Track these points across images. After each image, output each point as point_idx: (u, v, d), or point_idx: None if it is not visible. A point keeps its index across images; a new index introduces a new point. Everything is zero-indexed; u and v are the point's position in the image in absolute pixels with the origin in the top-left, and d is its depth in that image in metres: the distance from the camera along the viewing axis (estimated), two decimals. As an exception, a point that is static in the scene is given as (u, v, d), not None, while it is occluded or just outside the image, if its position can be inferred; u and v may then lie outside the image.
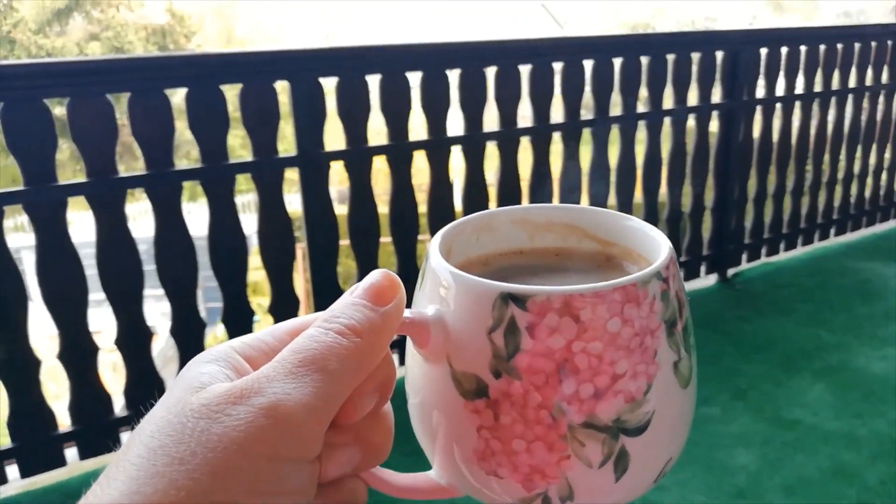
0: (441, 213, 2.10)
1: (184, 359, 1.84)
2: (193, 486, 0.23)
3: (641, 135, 2.53)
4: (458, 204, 2.21)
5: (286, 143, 1.88)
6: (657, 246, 0.33)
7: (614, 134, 2.45)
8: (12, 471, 1.72)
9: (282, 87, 1.80)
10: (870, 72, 3.15)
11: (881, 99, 3.26)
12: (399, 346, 1.76)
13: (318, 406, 0.25)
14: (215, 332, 4.64)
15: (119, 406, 1.82)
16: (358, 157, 1.91)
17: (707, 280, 2.87)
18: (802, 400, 2.01)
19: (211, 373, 0.27)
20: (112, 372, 1.74)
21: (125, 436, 1.80)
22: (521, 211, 0.38)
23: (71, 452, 1.77)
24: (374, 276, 0.30)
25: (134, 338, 1.75)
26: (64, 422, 1.75)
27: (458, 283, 0.30)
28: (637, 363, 0.28)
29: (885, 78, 3.21)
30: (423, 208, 2.11)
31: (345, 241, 2.01)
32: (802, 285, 2.84)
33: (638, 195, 2.62)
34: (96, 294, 1.68)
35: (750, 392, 2.05)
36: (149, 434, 0.24)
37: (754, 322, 2.52)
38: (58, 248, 1.60)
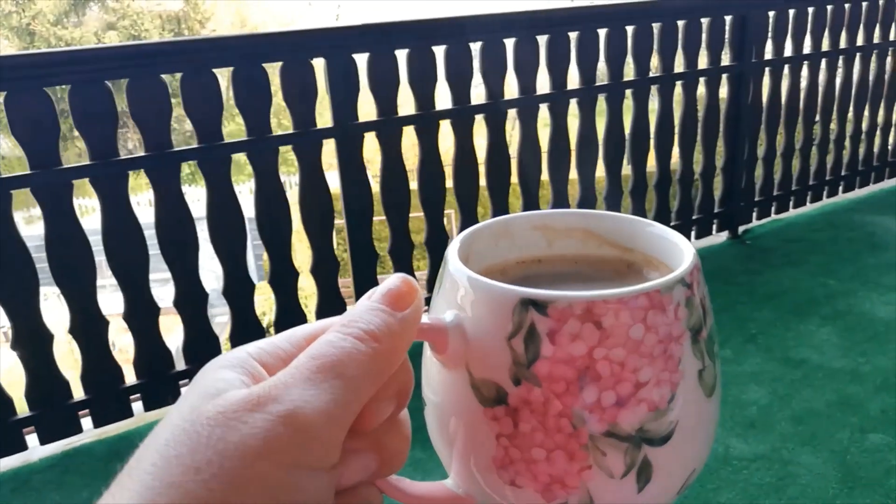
0: (467, 181, 2.24)
1: (234, 318, 2.02)
2: (209, 496, 0.22)
3: (654, 103, 2.65)
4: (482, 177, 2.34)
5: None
6: (679, 252, 0.32)
7: (627, 102, 2.57)
8: (86, 422, 1.91)
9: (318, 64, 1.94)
10: (877, 30, 3.22)
11: (889, 57, 3.33)
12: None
13: (336, 413, 0.25)
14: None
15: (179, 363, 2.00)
16: (389, 127, 2.06)
17: (719, 237, 3.00)
18: (810, 342, 2.14)
19: (227, 379, 0.26)
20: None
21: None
22: (539, 217, 0.38)
23: (137, 406, 1.96)
24: (392, 280, 0.29)
25: (191, 298, 1.93)
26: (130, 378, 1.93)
27: (476, 288, 0.29)
28: (660, 371, 0.28)
29: (892, 35, 3.27)
30: (449, 182, 2.25)
31: (379, 217, 2.17)
32: (812, 239, 2.95)
33: (651, 160, 2.74)
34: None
35: (760, 336, 2.19)
36: (164, 442, 0.24)
37: (765, 274, 2.65)
38: (123, 219, 1.77)
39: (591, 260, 0.38)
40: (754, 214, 3.08)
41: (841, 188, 3.37)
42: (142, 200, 6.72)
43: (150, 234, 1.81)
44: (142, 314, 1.87)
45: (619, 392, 0.27)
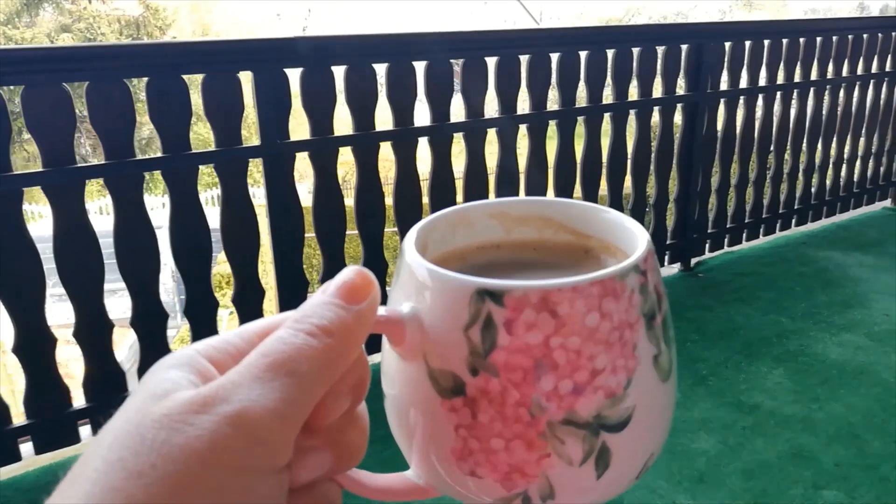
0: (410, 204, 2.10)
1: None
2: (151, 501, 0.22)
3: (606, 126, 2.56)
4: (429, 197, 2.21)
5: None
6: (634, 238, 0.32)
7: (580, 127, 2.48)
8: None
9: (246, 78, 1.79)
10: (831, 65, 3.21)
11: (842, 92, 3.33)
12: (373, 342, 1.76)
13: (287, 412, 0.24)
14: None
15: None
16: (324, 147, 1.91)
17: (670, 269, 2.92)
18: (762, 385, 2.06)
19: (174, 379, 0.25)
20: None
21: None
22: (496, 204, 0.38)
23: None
24: (346, 273, 0.28)
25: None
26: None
27: (433, 279, 0.29)
28: (616, 358, 0.28)
29: (845, 71, 3.28)
30: (389, 200, 2.12)
31: (309, 234, 2.01)
32: (764, 274, 2.90)
33: (603, 187, 2.65)
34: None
35: (711, 378, 2.10)
36: (107, 446, 0.23)
37: (716, 310, 2.57)
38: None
39: (549, 246, 0.38)
40: (707, 246, 3.02)
41: (794, 221, 3.34)
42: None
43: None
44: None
45: (575, 380, 0.27)
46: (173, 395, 0.24)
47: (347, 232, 2.07)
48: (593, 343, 0.27)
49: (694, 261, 2.97)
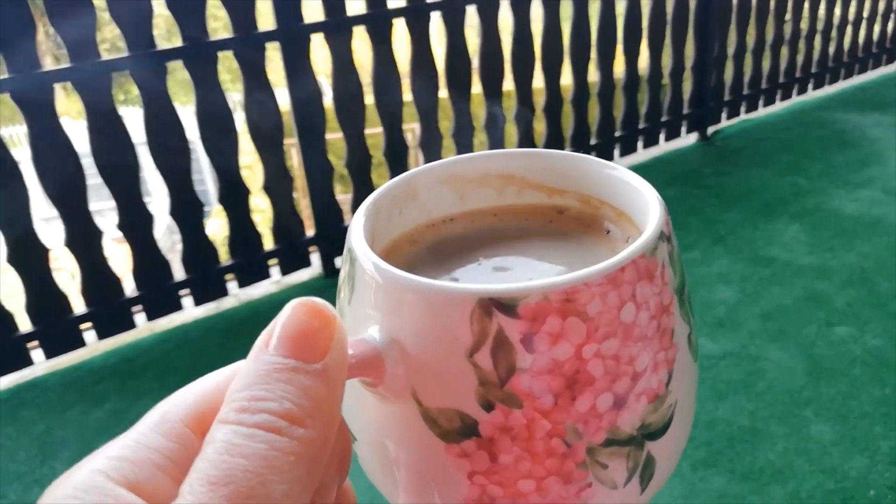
0: (426, 89, 2.12)
1: (185, 241, 1.92)
2: None
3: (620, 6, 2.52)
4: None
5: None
6: (624, 186, 0.27)
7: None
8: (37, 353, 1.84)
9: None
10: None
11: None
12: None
13: None
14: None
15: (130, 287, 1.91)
16: (337, 28, 1.91)
17: (688, 139, 2.93)
18: (779, 240, 2.12)
19: None
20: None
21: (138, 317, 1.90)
22: (446, 167, 0.31)
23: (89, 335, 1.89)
24: (293, 314, 0.20)
25: (138, 222, 1.82)
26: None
27: (415, 291, 0.23)
28: (657, 351, 0.23)
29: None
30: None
31: (333, 135, 2.04)
32: (781, 138, 2.91)
33: (618, 62, 2.63)
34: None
35: (729, 237, 2.16)
36: None
37: (734, 175, 2.61)
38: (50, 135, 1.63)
39: (514, 210, 0.31)
40: (724, 115, 3.01)
41: (811, 86, 3.30)
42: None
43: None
44: (86, 240, 1.77)
45: (616, 391, 0.23)
46: None
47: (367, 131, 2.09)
48: (633, 341, 0.23)
49: (711, 129, 2.97)
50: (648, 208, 0.25)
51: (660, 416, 0.24)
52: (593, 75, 2.54)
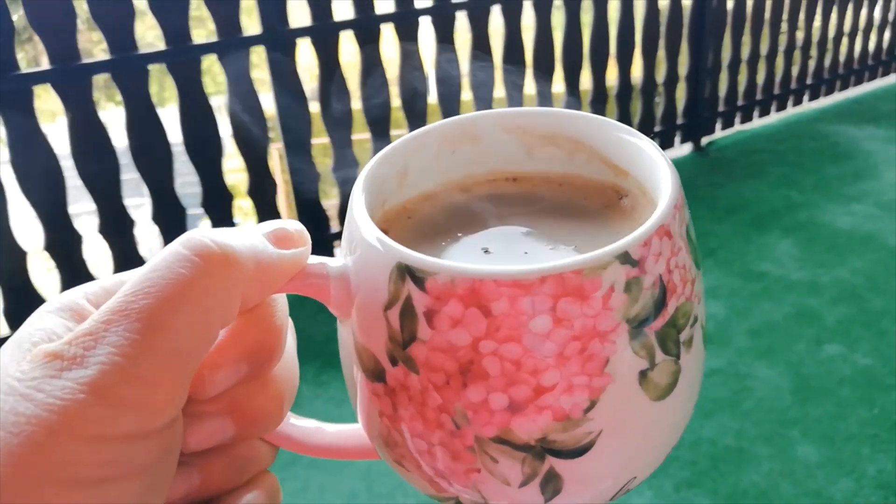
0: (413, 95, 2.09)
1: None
2: None
3: (615, 3, 2.49)
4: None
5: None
6: (666, 188, 0.25)
7: (586, 4, 2.41)
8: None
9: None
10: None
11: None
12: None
13: (154, 374, 0.20)
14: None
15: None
16: (324, 32, 1.88)
17: (682, 149, 2.91)
18: (770, 254, 2.10)
19: (48, 328, 0.22)
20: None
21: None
22: (516, 116, 0.30)
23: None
24: (285, 220, 0.25)
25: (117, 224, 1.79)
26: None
27: (358, 237, 0.24)
28: (574, 375, 0.22)
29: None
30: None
31: (319, 140, 2.02)
32: (775, 150, 2.88)
33: (611, 69, 2.60)
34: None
35: (720, 250, 2.14)
36: None
37: (727, 187, 2.58)
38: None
39: (579, 184, 0.30)
40: (718, 125, 2.99)
41: (806, 97, 3.28)
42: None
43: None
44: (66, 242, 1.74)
45: (512, 396, 0.22)
46: (37, 349, 0.21)
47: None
48: (540, 354, 0.22)
49: (705, 140, 2.95)
50: (644, 223, 0.23)
51: (570, 437, 0.23)
52: (586, 83, 2.52)
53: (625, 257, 0.22)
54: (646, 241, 0.22)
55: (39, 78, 1.60)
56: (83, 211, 1.98)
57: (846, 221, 2.27)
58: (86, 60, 1.62)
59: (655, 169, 0.26)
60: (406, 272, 0.22)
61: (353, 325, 0.25)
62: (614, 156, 0.29)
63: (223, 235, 0.22)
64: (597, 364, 0.22)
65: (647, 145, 0.27)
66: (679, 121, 2.84)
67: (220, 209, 1.91)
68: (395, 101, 2.12)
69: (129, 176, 1.77)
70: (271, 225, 0.25)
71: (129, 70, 1.66)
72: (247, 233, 0.23)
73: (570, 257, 0.22)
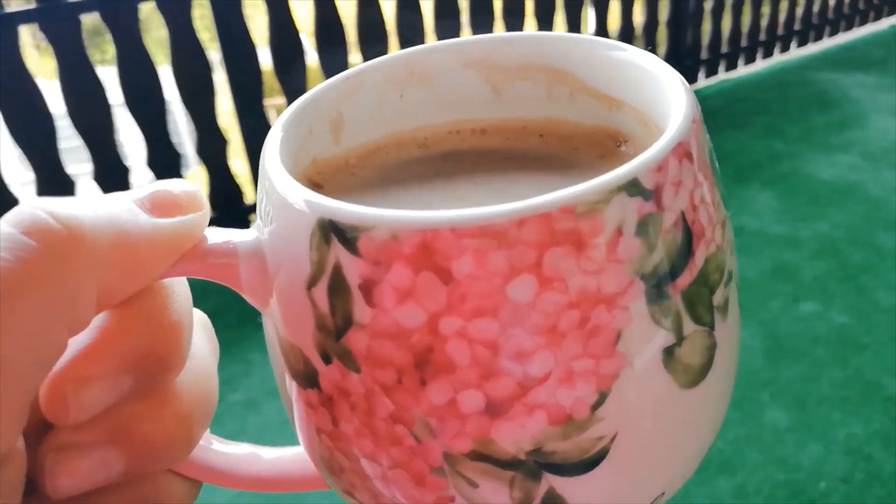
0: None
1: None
2: None
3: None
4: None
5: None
6: (674, 107, 0.19)
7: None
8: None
9: None
10: None
11: None
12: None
13: None
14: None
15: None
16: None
17: (663, 100, 2.80)
18: (750, 208, 2.02)
19: None
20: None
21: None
22: (476, 45, 0.24)
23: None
24: (169, 181, 0.19)
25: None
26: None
27: (273, 198, 0.18)
28: (573, 358, 0.16)
29: None
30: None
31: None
32: (760, 99, 2.78)
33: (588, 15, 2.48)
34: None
35: (697, 204, 2.06)
36: None
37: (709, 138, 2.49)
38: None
39: (565, 132, 0.23)
40: (701, 74, 2.87)
41: (794, 43, 3.16)
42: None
43: None
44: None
45: (489, 392, 0.16)
46: None
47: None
48: (524, 331, 0.16)
49: (687, 90, 2.83)
50: (658, 144, 0.17)
51: (573, 446, 0.17)
52: (560, 30, 2.40)
53: (634, 187, 0.16)
54: (660, 165, 0.16)
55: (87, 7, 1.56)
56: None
57: (830, 172, 2.19)
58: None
59: (659, 88, 0.20)
60: (331, 231, 0.16)
61: (275, 316, 0.19)
62: (603, 82, 0.22)
63: (67, 206, 0.16)
64: (605, 341, 0.16)
65: (645, 60, 0.21)
66: (660, 70, 2.72)
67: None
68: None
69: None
70: (148, 188, 0.19)
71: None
72: (107, 200, 0.18)
73: (559, 191, 0.15)
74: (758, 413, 1.28)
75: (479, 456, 0.17)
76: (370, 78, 0.23)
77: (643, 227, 0.16)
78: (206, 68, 1.75)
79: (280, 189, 0.18)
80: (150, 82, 1.69)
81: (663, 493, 0.20)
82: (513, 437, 0.17)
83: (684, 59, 2.73)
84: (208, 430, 0.22)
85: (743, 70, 3.01)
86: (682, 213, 0.17)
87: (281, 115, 0.21)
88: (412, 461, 0.17)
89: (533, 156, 0.23)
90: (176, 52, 1.70)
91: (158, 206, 0.18)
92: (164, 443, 0.19)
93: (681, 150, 0.17)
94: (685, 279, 0.17)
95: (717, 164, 0.19)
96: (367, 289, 0.16)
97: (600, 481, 0.17)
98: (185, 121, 1.62)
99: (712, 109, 2.73)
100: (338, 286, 0.16)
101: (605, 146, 0.23)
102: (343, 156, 0.23)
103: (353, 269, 0.16)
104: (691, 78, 2.83)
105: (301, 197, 0.17)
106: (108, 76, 1.68)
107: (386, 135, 0.24)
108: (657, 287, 0.16)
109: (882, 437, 1.21)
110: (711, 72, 2.90)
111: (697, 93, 2.78)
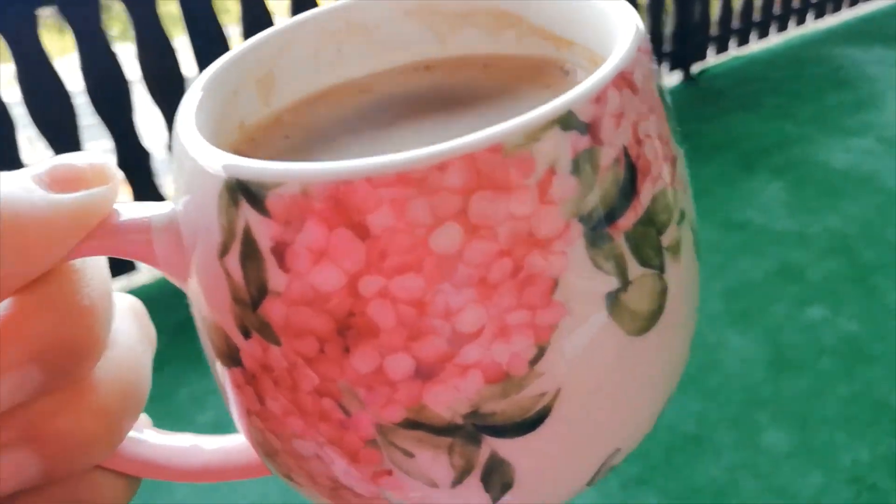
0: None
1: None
2: None
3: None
4: None
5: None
6: (621, 40, 0.18)
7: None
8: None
9: None
10: None
11: None
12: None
13: None
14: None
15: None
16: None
17: (670, 79, 2.68)
18: (756, 200, 1.92)
19: None
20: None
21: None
22: None
23: None
24: (65, 156, 0.18)
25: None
26: None
27: (186, 165, 0.16)
28: (508, 310, 0.15)
29: None
30: None
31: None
32: (772, 78, 2.65)
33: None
34: None
35: (702, 196, 1.93)
36: None
37: (715, 121, 2.37)
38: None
39: (511, 64, 0.22)
40: (711, 51, 2.74)
41: (811, 16, 3.00)
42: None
43: None
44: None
45: (419, 354, 0.15)
46: None
47: None
48: (451, 286, 0.14)
49: (696, 68, 2.70)
50: (589, 78, 0.15)
51: (513, 405, 0.15)
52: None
53: (569, 120, 0.14)
54: (598, 96, 0.15)
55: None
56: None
57: (843, 159, 2.07)
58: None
59: (610, 27, 0.19)
60: (238, 191, 0.14)
61: (195, 293, 0.17)
62: (553, 23, 0.22)
63: None
64: (541, 289, 0.15)
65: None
66: (667, 48, 2.59)
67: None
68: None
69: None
70: (48, 162, 0.17)
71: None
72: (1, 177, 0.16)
73: (485, 131, 0.14)
74: (755, 435, 1.21)
75: (412, 424, 0.16)
76: (303, 32, 0.22)
77: (579, 164, 0.15)
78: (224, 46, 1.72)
79: (191, 152, 0.16)
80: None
81: (618, 450, 0.18)
82: (447, 400, 0.15)
83: (692, 36, 2.60)
84: (147, 422, 0.21)
85: (755, 46, 2.87)
86: (625, 149, 0.15)
87: (198, 76, 0.19)
88: (343, 436, 0.16)
89: (479, 87, 0.22)
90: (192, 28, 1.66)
91: (59, 181, 0.17)
92: (83, 439, 0.18)
93: (622, 81, 0.15)
94: (629, 219, 0.16)
95: (668, 99, 0.18)
96: (280, 252, 0.14)
97: (546, 441, 0.16)
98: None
99: (721, 90, 2.60)
100: (249, 252, 0.15)
101: (552, 75, 0.21)
102: (275, 116, 0.22)
103: (264, 232, 0.14)
104: (700, 55, 2.70)
105: (206, 157, 0.15)
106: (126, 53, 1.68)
107: (322, 90, 0.23)
108: (597, 229, 0.15)
109: (889, 463, 1.13)
110: (722, 48, 2.77)
111: (707, 71, 2.63)
